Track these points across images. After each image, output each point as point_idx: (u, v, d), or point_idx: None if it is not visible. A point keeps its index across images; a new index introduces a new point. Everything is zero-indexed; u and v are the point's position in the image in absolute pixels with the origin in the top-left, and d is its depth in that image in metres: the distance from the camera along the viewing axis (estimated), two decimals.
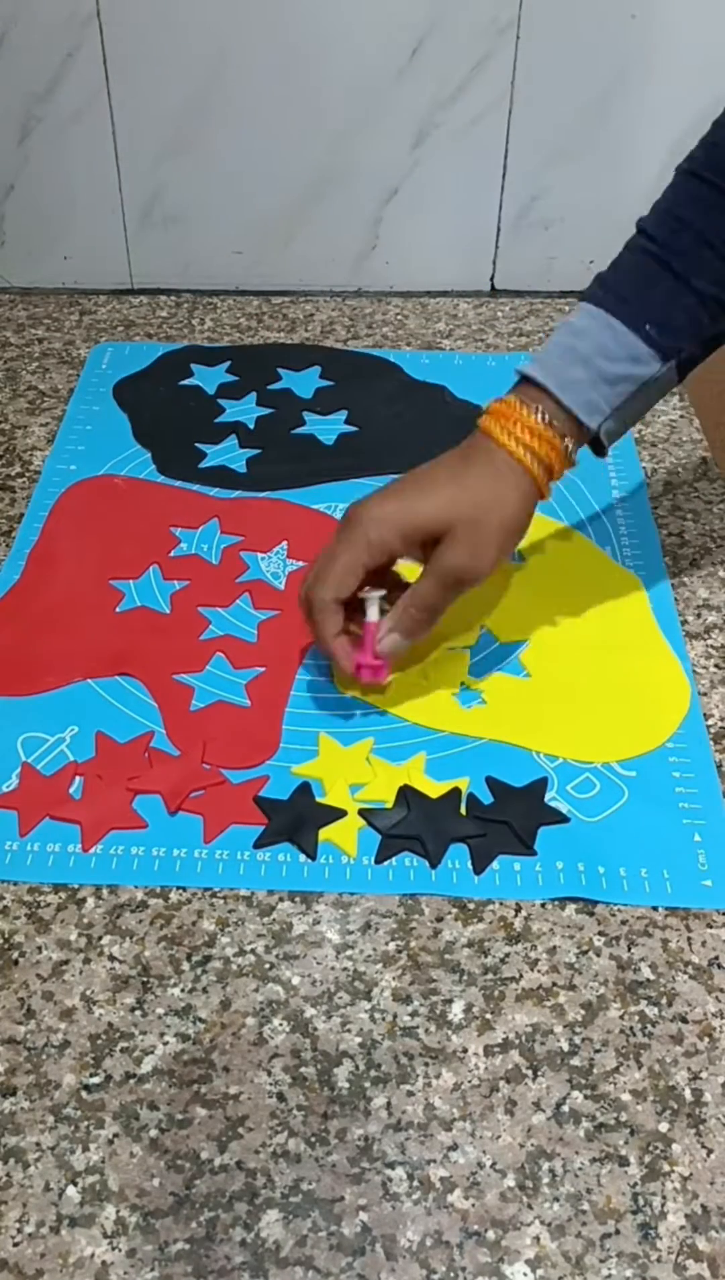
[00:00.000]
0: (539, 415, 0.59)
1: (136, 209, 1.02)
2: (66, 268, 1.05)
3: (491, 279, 1.05)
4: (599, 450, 0.63)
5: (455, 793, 0.59)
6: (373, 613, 0.61)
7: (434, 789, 0.60)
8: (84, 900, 0.55)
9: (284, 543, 0.76)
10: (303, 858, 0.57)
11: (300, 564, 0.74)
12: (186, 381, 0.91)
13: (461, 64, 0.94)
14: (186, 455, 0.84)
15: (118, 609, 0.71)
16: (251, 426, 0.86)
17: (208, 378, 0.91)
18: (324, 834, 0.58)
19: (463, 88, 0.95)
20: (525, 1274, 0.43)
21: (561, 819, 0.58)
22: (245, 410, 0.87)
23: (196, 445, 0.84)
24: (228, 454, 0.84)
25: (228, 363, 0.93)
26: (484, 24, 0.92)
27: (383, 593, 0.61)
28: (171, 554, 0.75)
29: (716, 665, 0.67)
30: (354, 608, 0.61)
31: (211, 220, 1.02)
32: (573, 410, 0.59)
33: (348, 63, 0.94)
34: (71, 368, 0.94)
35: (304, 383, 0.90)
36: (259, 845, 0.57)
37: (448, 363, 0.94)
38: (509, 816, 0.58)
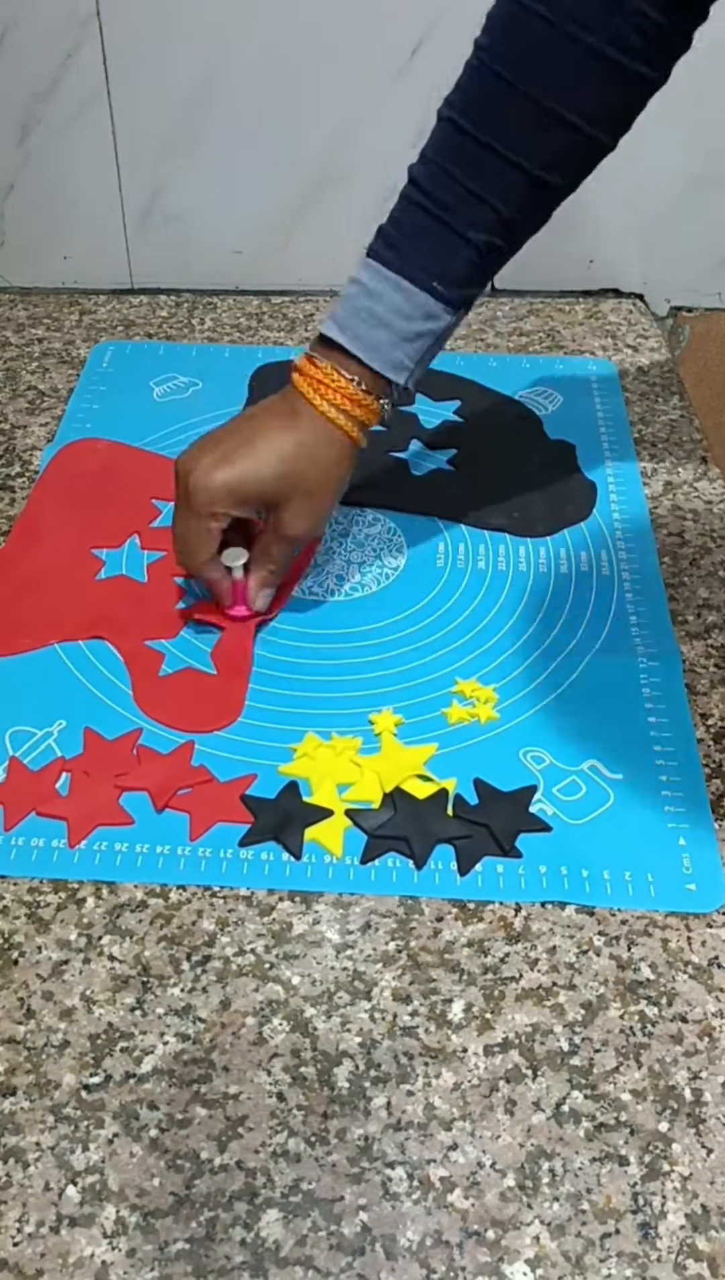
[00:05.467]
0: (354, 382, 0.63)
1: (136, 209, 1.02)
2: (66, 268, 1.05)
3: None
4: (405, 398, 0.69)
5: (442, 794, 0.59)
6: (238, 573, 0.67)
7: (422, 789, 0.60)
8: (84, 900, 0.55)
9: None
10: (287, 856, 0.57)
11: None
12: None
13: (461, 64, 0.94)
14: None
15: (97, 577, 0.73)
16: None
17: None
18: (310, 833, 0.58)
19: None
20: (525, 1274, 0.43)
21: (543, 827, 0.58)
22: None
23: None
24: None
25: None
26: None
27: (242, 559, 0.67)
28: (152, 525, 0.77)
29: (716, 665, 0.67)
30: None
31: (211, 220, 1.02)
32: (382, 372, 0.63)
33: (348, 63, 0.94)
34: (71, 368, 0.94)
35: (436, 413, 0.88)
36: (244, 844, 0.57)
37: (449, 363, 0.94)
38: (490, 820, 0.58)
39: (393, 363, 0.63)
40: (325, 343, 0.64)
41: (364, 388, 0.63)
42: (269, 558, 0.67)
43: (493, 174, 0.60)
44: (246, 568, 0.67)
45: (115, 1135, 0.47)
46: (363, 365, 0.63)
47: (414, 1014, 0.51)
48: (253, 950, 0.53)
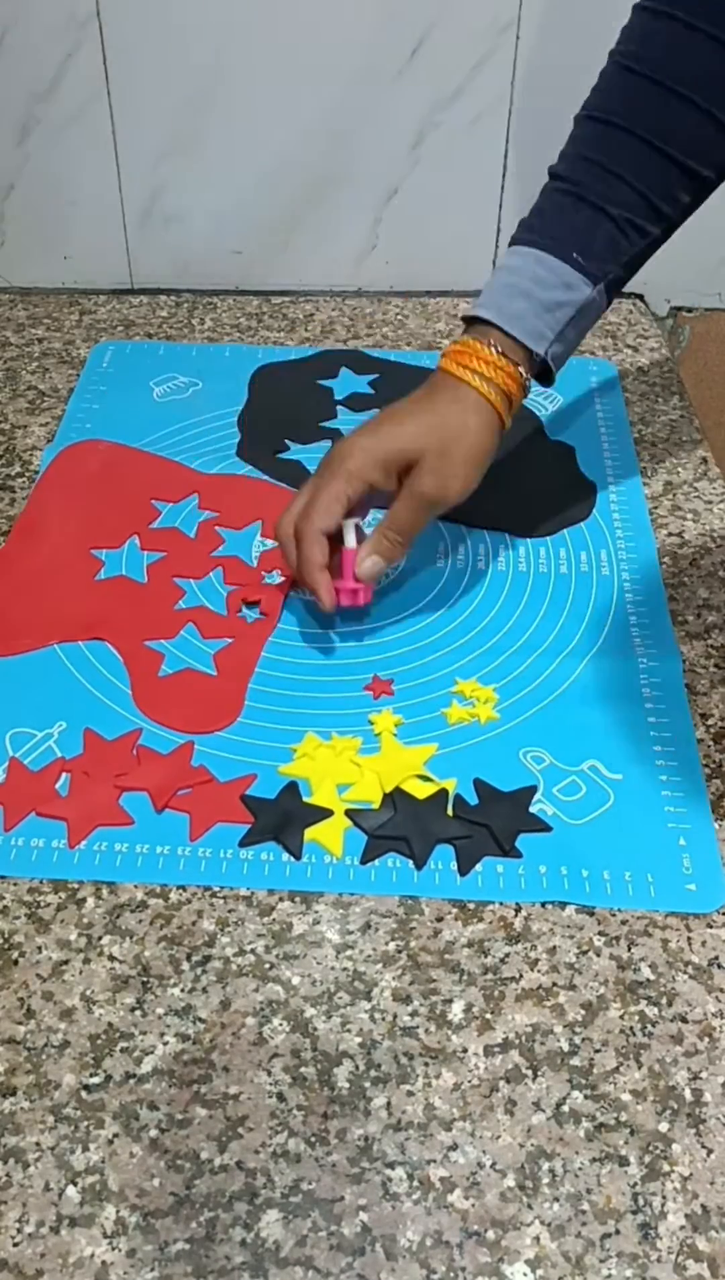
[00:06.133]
0: (493, 348, 0.65)
1: (136, 209, 1.02)
2: (66, 268, 1.05)
3: None
4: (546, 379, 0.68)
5: (442, 794, 0.59)
6: (351, 539, 0.66)
7: (422, 789, 0.60)
8: (84, 900, 0.55)
9: (258, 522, 0.77)
10: (287, 856, 0.57)
11: (273, 543, 0.75)
12: (327, 382, 0.91)
13: (461, 64, 0.94)
14: (270, 445, 0.84)
15: (96, 577, 0.73)
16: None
17: (347, 384, 0.91)
18: (310, 834, 0.58)
19: (463, 88, 0.95)
20: (525, 1274, 0.43)
21: (543, 828, 0.58)
22: (357, 423, 0.85)
23: (286, 440, 0.85)
24: (310, 454, 0.84)
25: (377, 375, 0.92)
26: (484, 24, 0.92)
27: (359, 520, 0.66)
28: (151, 526, 0.77)
29: (716, 665, 0.67)
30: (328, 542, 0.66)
31: (211, 220, 1.02)
32: (521, 340, 0.65)
33: (348, 63, 0.94)
34: (71, 368, 0.94)
35: None
36: (244, 844, 0.57)
37: None
38: (490, 820, 0.58)
39: (532, 331, 0.65)
40: (468, 322, 0.67)
41: (503, 352, 0.64)
42: (393, 521, 0.65)
43: (630, 155, 0.63)
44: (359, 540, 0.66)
45: (115, 1135, 0.47)
46: (502, 332, 0.65)
47: (414, 1014, 0.51)
48: (253, 950, 0.53)
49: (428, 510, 0.65)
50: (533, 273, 0.64)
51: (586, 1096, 0.48)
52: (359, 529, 0.66)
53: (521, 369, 0.65)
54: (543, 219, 0.66)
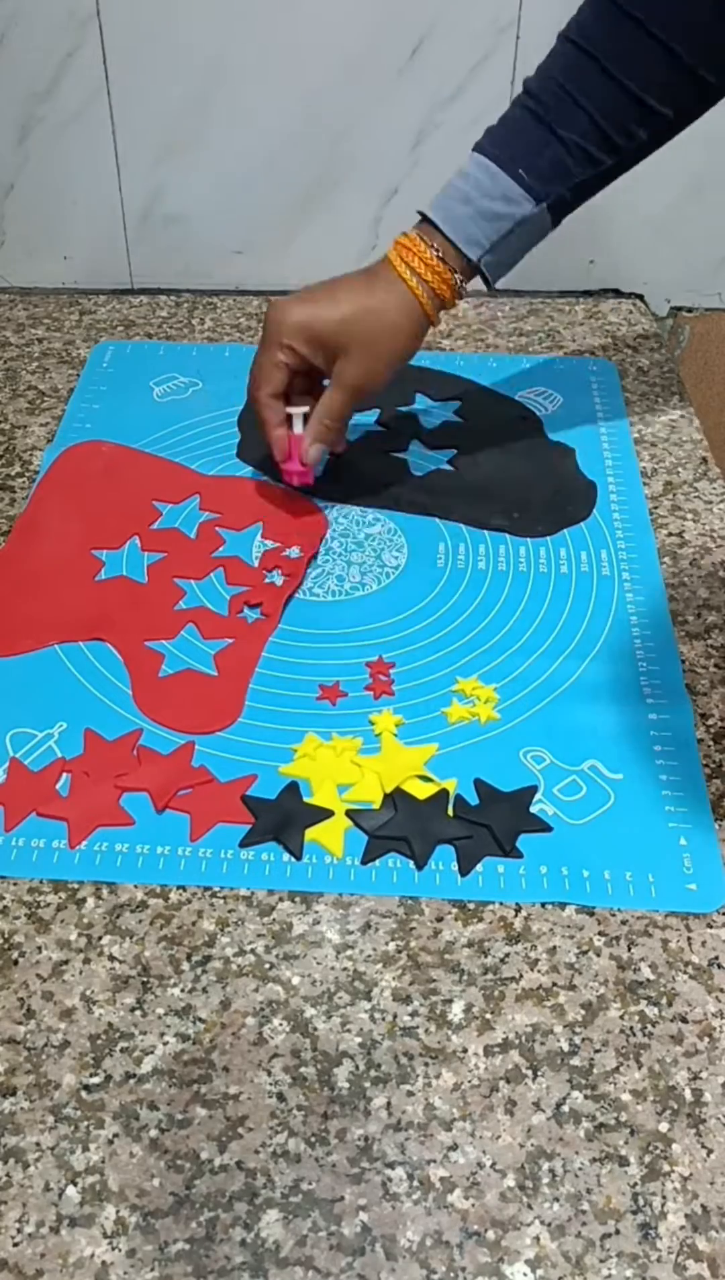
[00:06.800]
0: (433, 250, 0.69)
1: (136, 209, 1.02)
2: (66, 268, 1.05)
3: None
4: (488, 283, 0.72)
5: (443, 794, 0.59)
6: (297, 426, 0.74)
7: (422, 790, 0.60)
8: (84, 900, 0.55)
9: (259, 523, 0.77)
10: (288, 856, 0.57)
11: (273, 544, 0.75)
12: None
13: (461, 64, 0.94)
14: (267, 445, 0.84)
15: (97, 578, 0.73)
16: (352, 439, 0.84)
17: None
18: (311, 834, 0.58)
19: (463, 88, 0.95)
20: (525, 1274, 0.43)
21: (543, 828, 0.58)
22: (357, 423, 0.85)
23: None
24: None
25: None
26: (484, 24, 0.92)
27: (306, 409, 0.73)
28: (152, 526, 0.77)
29: (716, 665, 0.67)
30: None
31: (211, 220, 1.02)
32: (455, 242, 0.69)
33: (348, 63, 0.94)
34: (71, 368, 0.94)
35: (436, 414, 0.88)
36: (245, 844, 0.57)
37: (449, 363, 0.94)
38: (491, 820, 0.58)
39: (468, 237, 0.69)
40: (421, 219, 0.71)
41: (441, 257, 0.69)
42: (325, 409, 0.72)
43: (592, 83, 0.65)
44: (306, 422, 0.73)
45: (115, 1135, 0.47)
46: (443, 237, 0.69)
47: (414, 1014, 0.51)
48: (253, 950, 0.53)
49: (355, 397, 0.72)
50: (478, 181, 0.68)
51: (586, 1096, 0.48)
52: (305, 418, 0.73)
53: (457, 276, 0.70)
54: (501, 131, 0.69)
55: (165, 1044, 0.50)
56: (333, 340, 0.70)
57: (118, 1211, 0.45)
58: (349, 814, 0.59)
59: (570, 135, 0.66)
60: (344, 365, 0.70)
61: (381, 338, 0.70)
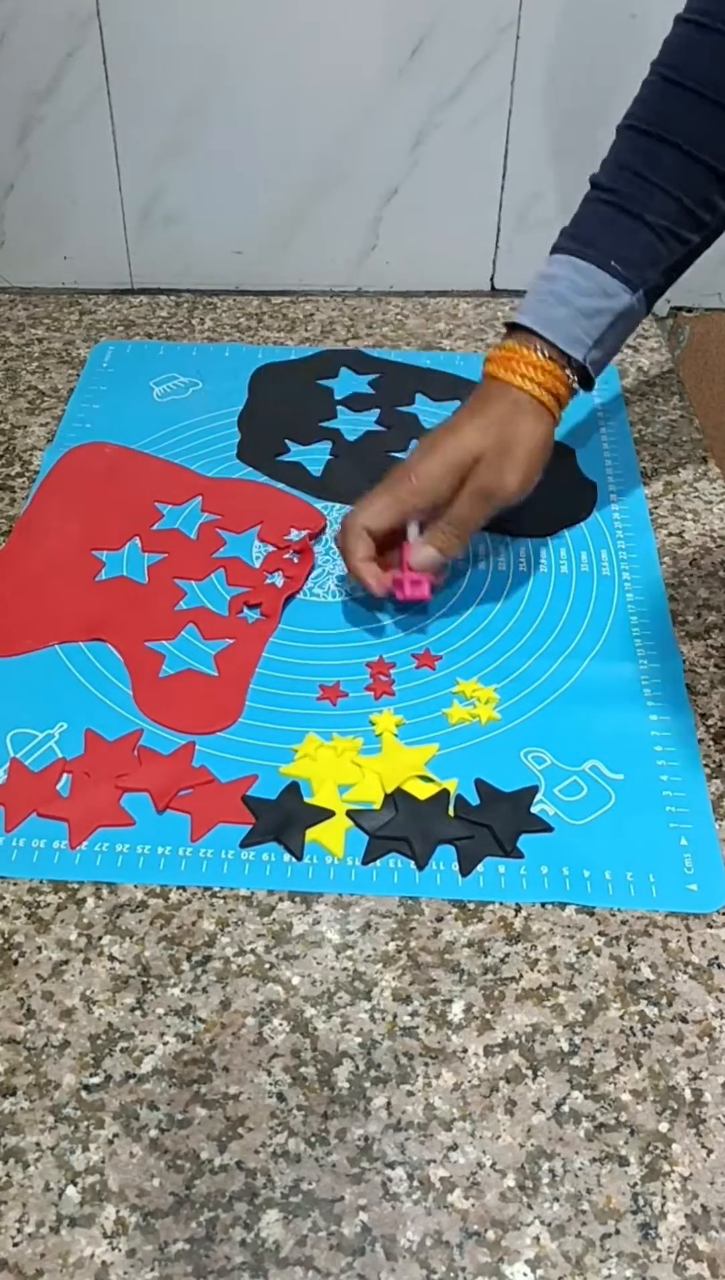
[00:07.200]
0: (539, 352, 0.66)
1: (136, 209, 1.02)
2: (66, 268, 1.05)
3: (491, 279, 1.05)
4: (586, 384, 0.69)
5: (444, 794, 0.59)
6: (412, 532, 0.67)
7: (423, 790, 0.60)
8: (84, 900, 0.55)
9: (259, 524, 0.77)
10: (288, 856, 0.57)
11: (272, 547, 0.75)
12: (327, 382, 0.91)
13: (461, 64, 0.94)
14: (270, 447, 0.84)
15: (97, 578, 0.73)
16: (352, 439, 0.85)
17: (347, 384, 0.91)
18: (311, 834, 0.58)
19: (462, 88, 0.95)
20: (525, 1274, 0.43)
21: (544, 828, 0.58)
22: (357, 423, 0.86)
23: (287, 440, 0.85)
24: (310, 455, 0.84)
25: (377, 375, 0.92)
26: (484, 24, 0.92)
27: (421, 520, 0.67)
28: (153, 528, 0.77)
29: (716, 665, 0.67)
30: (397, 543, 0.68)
31: (211, 220, 1.02)
32: (559, 345, 0.66)
33: (348, 63, 0.94)
34: (71, 368, 0.94)
35: (436, 414, 0.88)
36: (246, 844, 0.57)
37: (448, 363, 0.94)
38: (492, 820, 0.58)
39: (570, 337, 0.66)
40: (510, 329, 0.68)
41: (548, 356, 0.66)
42: (451, 514, 0.66)
43: (669, 164, 0.65)
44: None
45: (115, 1135, 0.47)
46: (543, 340, 0.66)
47: (414, 1014, 0.51)
48: (253, 950, 0.53)
49: (485, 503, 0.66)
50: (571, 281, 0.66)
51: (586, 1096, 0.48)
52: (422, 525, 0.67)
53: (568, 371, 0.67)
54: (583, 228, 0.68)
55: (165, 1044, 0.50)
56: (466, 457, 0.65)
57: (118, 1211, 0.45)
58: (350, 814, 0.59)
59: (659, 220, 0.65)
60: (478, 471, 0.65)
61: (514, 441, 0.65)
